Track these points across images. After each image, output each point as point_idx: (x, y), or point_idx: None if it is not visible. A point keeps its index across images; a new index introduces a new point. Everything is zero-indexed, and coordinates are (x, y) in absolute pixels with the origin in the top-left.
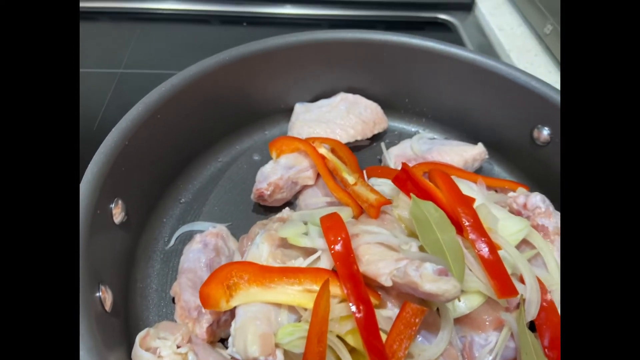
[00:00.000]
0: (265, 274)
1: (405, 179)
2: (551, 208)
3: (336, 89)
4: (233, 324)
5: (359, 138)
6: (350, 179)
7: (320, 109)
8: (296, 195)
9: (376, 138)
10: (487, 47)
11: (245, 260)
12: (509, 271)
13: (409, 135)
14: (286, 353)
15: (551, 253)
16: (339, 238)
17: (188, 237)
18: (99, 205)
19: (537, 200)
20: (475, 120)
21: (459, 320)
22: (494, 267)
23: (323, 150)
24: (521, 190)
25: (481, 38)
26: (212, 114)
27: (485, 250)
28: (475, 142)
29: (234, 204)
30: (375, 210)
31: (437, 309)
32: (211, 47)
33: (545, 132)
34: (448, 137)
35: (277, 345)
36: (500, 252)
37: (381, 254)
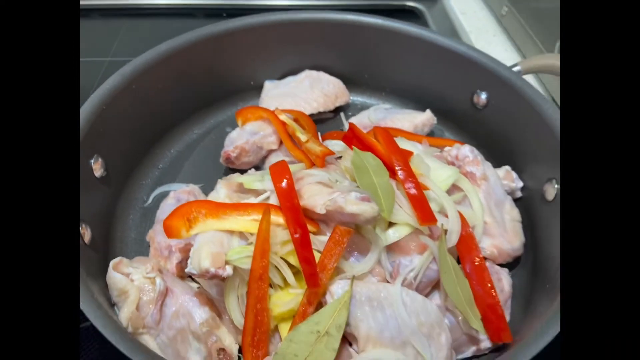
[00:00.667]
0: (220, 208)
1: (352, 137)
2: (479, 157)
3: (302, 67)
4: (192, 248)
5: (321, 110)
6: (303, 137)
7: (287, 85)
8: (263, 161)
9: (339, 110)
10: (451, 30)
11: (204, 200)
12: (437, 209)
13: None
14: (236, 270)
15: (476, 195)
16: (284, 178)
17: (164, 196)
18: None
19: (466, 150)
20: (426, 91)
21: (390, 248)
22: (418, 201)
23: (283, 117)
24: (457, 145)
25: (446, 22)
26: (186, 89)
27: (411, 187)
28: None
29: (206, 169)
30: (320, 159)
31: None
32: None
33: (483, 97)
34: (404, 107)
35: (227, 262)
36: (430, 194)
37: (319, 190)
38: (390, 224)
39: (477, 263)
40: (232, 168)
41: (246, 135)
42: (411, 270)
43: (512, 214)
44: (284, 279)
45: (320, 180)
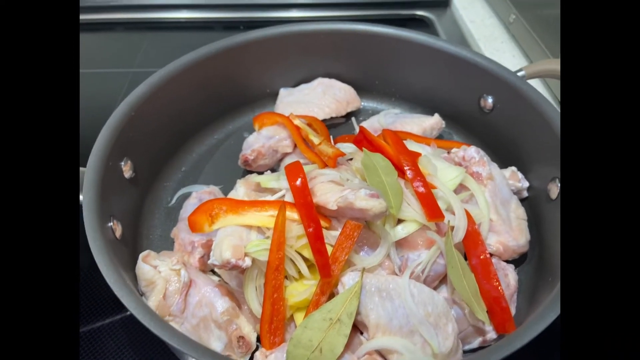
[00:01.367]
0: (239, 204)
1: (362, 139)
2: (485, 158)
3: (315, 75)
4: (214, 242)
5: (333, 115)
6: (316, 140)
7: (300, 92)
8: (279, 163)
9: (351, 115)
10: (460, 37)
11: (225, 197)
12: (444, 206)
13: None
14: (254, 262)
15: (482, 193)
16: (298, 177)
17: (187, 196)
18: (110, 159)
19: (472, 152)
20: (435, 96)
21: (399, 244)
22: (426, 199)
23: (297, 121)
24: (464, 147)
25: (455, 30)
26: (207, 97)
27: (419, 186)
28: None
29: (226, 171)
30: (332, 160)
31: None
32: None
33: (490, 100)
34: (414, 112)
35: (246, 254)
36: (438, 192)
37: (331, 188)
38: (399, 221)
39: (482, 258)
40: (250, 170)
41: (262, 139)
42: (419, 264)
43: (517, 212)
44: (299, 271)
45: (332, 179)
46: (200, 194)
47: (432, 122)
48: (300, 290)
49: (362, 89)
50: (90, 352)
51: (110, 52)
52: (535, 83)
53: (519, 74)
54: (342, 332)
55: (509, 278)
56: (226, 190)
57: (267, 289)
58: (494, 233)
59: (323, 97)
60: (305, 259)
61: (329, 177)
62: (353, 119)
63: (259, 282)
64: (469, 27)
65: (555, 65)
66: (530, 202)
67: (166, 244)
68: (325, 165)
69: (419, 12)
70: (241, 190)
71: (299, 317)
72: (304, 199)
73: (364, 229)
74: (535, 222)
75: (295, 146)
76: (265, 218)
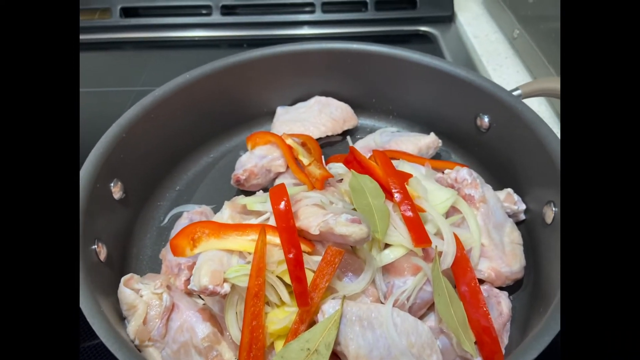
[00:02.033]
0: (222, 228)
1: (352, 160)
2: (478, 180)
3: (312, 93)
4: (194, 267)
5: (329, 133)
6: (306, 160)
7: (297, 110)
8: (272, 183)
9: (348, 133)
10: (464, 53)
11: (208, 220)
12: (433, 231)
13: None
14: (234, 288)
15: (474, 217)
16: (282, 200)
17: (179, 216)
18: (98, 181)
19: (464, 173)
20: (432, 114)
21: (386, 269)
22: (413, 223)
23: (290, 141)
24: (456, 168)
25: (459, 46)
26: (203, 116)
27: (407, 210)
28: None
29: (219, 191)
30: (319, 182)
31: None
32: None
33: (486, 120)
34: (411, 130)
35: (225, 280)
36: (427, 216)
37: (314, 212)
38: (386, 245)
39: (471, 285)
40: (243, 190)
41: (255, 159)
42: (403, 291)
43: (512, 236)
44: (280, 297)
45: (316, 202)
46: (192, 214)
47: (428, 141)
48: (280, 317)
49: (359, 107)
50: None
51: (117, 70)
52: (537, 100)
53: (515, 93)
54: None
55: (501, 306)
56: (219, 210)
57: (246, 316)
58: (486, 258)
59: (319, 115)
60: (287, 285)
61: (313, 200)
62: (348, 137)
63: (240, 308)
64: (472, 43)
65: (553, 83)
66: (527, 226)
67: (156, 265)
68: (313, 186)
69: (423, 28)
70: (226, 213)
71: (279, 345)
72: (286, 223)
73: (349, 253)
74: (531, 247)
75: (288, 166)
76: (247, 242)
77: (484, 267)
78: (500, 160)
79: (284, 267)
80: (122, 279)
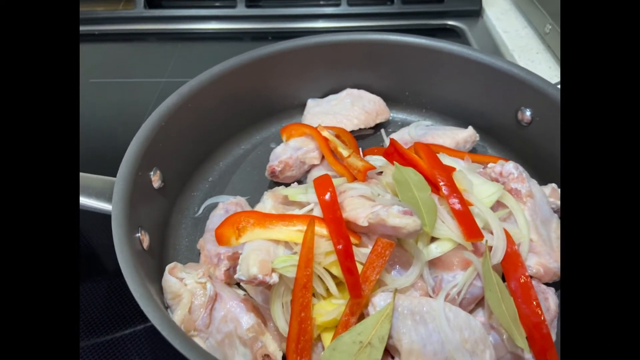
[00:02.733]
0: (267, 218)
1: (393, 152)
2: (524, 174)
3: (343, 85)
4: (241, 256)
5: (362, 127)
6: (345, 152)
7: (328, 103)
8: (306, 175)
9: (380, 127)
10: (493, 48)
11: (252, 210)
12: (481, 225)
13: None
14: (281, 278)
15: (521, 212)
16: (327, 191)
17: (214, 207)
18: (140, 169)
19: (510, 167)
20: (468, 108)
21: (433, 263)
22: (463, 217)
23: (326, 133)
24: (501, 162)
25: (488, 41)
26: (235, 107)
27: (456, 203)
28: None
29: (252, 182)
30: (362, 174)
31: None
32: None
33: (528, 113)
34: (445, 124)
35: (273, 270)
36: (474, 209)
37: (362, 204)
38: (433, 239)
39: (522, 281)
40: (277, 181)
41: (290, 150)
42: (454, 286)
43: (558, 232)
44: (327, 289)
45: (363, 194)
46: (227, 204)
47: (466, 135)
48: (328, 309)
49: (391, 100)
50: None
51: (143, 62)
52: None
53: (559, 86)
54: (373, 357)
55: (549, 302)
56: (253, 201)
57: (294, 307)
58: (534, 254)
59: (351, 108)
60: (333, 277)
61: (360, 191)
62: (382, 130)
63: (286, 299)
64: (502, 38)
65: None
66: None
67: (192, 255)
68: (354, 178)
69: (450, 22)
70: (269, 203)
71: (326, 337)
72: (333, 214)
73: (396, 246)
74: None
75: (322, 158)
76: (294, 233)
77: (532, 263)
78: (542, 155)
79: (332, 258)
80: (167, 268)
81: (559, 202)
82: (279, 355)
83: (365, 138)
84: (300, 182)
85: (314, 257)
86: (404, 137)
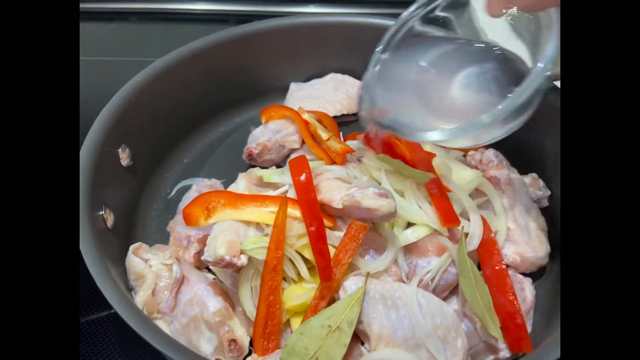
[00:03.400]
0: (238, 198)
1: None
2: (504, 162)
3: (327, 70)
4: (209, 237)
5: (345, 112)
6: (325, 135)
7: (312, 87)
8: (285, 160)
9: None
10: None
11: (224, 190)
12: (459, 211)
13: None
14: (250, 261)
15: (500, 199)
16: (303, 172)
17: (187, 189)
18: (107, 144)
19: (490, 155)
20: None
21: (408, 249)
22: (441, 201)
23: (306, 116)
24: (481, 149)
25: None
26: (213, 88)
27: (433, 188)
28: None
29: (229, 165)
30: (340, 157)
31: None
32: None
33: None
34: None
35: (242, 252)
36: (452, 196)
37: (337, 186)
38: (409, 225)
39: (497, 268)
40: (254, 165)
41: (269, 133)
42: (428, 272)
43: (537, 222)
44: (298, 273)
45: (339, 176)
46: (201, 187)
47: None
48: (298, 293)
49: None
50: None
51: (123, 41)
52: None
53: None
54: (341, 342)
55: (525, 292)
56: (228, 184)
57: (263, 290)
58: (511, 243)
59: (335, 93)
60: (305, 260)
61: (336, 173)
62: None
63: (255, 282)
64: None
65: None
66: (551, 212)
67: (162, 237)
68: (332, 162)
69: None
70: (242, 184)
71: (295, 322)
72: (307, 196)
73: (370, 231)
74: (556, 234)
75: (303, 142)
76: (265, 214)
77: (509, 252)
78: (523, 145)
79: (304, 241)
80: (131, 247)
81: (539, 192)
82: (247, 340)
83: (348, 124)
84: (279, 166)
85: (286, 239)
86: None
